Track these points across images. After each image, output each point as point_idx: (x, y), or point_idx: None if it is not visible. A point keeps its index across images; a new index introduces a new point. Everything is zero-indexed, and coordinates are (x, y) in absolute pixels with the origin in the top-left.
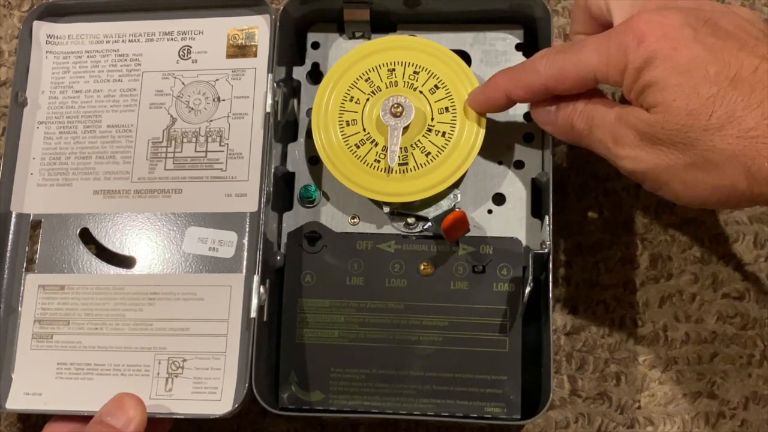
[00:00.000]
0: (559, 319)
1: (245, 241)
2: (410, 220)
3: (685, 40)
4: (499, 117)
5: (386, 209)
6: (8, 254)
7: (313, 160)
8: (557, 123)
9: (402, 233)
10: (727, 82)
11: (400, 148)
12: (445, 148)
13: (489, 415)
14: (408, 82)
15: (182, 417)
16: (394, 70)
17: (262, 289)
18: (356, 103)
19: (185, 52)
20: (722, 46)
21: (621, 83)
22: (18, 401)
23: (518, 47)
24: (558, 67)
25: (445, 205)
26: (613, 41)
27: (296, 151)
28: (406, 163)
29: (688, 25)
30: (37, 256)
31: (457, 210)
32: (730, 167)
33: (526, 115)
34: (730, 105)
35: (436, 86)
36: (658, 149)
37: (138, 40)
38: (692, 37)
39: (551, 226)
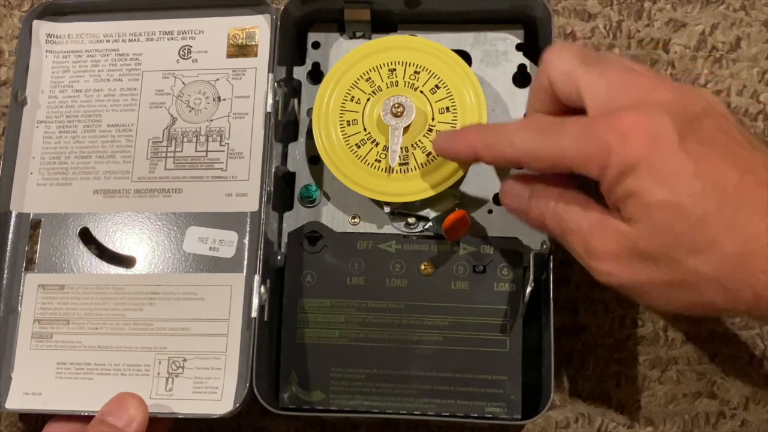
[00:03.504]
0: (559, 319)
1: (246, 240)
2: (411, 219)
3: (671, 148)
4: (501, 118)
5: (387, 209)
6: (8, 254)
7: (314, 160)
8: (528, 216)
9: (402, 233)
10: (714, 202)
11: (401, 147)
12: None
13: (489, 415)
14: (409, 82)
15: (183, 417)
16: (394, 70)
17: (263, 289)
18: (357, 102)
19: (185, 51)
20: (707, 155)
21: (599, 179)
22: (17, 401)
23: (519, 47)
24: (534, 146)
25: (446, 204)
26: (596, 137)
27: (296, 151)
28: (407, 163)
29: (675, 129)
30: (37, 255)
31: (457, 210)
32: (709, 288)
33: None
34: (714, 228)
35: (436, 86)
36: (637, 265)
37: (138, 40)
38: (678, 145)
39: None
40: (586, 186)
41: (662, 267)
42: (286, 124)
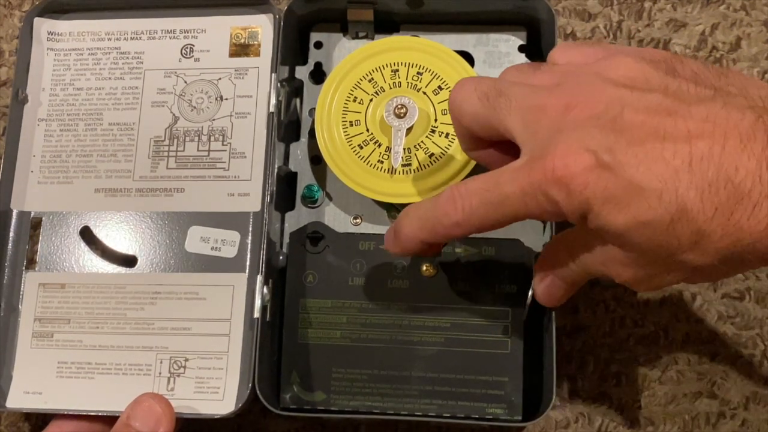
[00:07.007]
0: (559, 319)
1: (248, 240)
2: None
3: (609, 174)
4: None
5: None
6: (9, 252)
7: (316, 160)
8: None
9: None
10: (675, 203)
11: (404, 149)
12: (448, 149)
13: (490, 416)
14: (411, 83)
15: (184, 417)
16: (397, 70)
17: (265, 290)
18: (359, 103)
19: (188, 50)
20: (644, 156)
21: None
22: (18, 400)
23: (521, 49)
24: (481, 217)
25: None
26: (539, 193)
27: (299, 151)
28: (410, 164)
29: (605, 148)
30: (38, 254)
31: None
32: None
33: None
34: (690, 223)
35: (439, 87)
36: (651, 270)
37: (140, 38)
38: (614, 164)
39: (553, 228)
40: None
41: (679, 269)
42: (288, 124)
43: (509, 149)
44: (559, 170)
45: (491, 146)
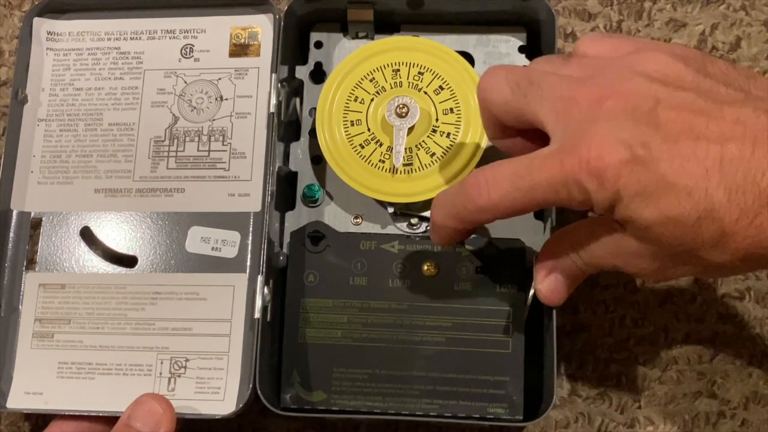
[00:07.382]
0: (559, 319)
1: (248, 241)
2: (414, 220)
3: (641, 168)
4: None
5: (390, 209)
6: (9, 253)
7: (316, 160)
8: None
9: (405, 233)
10: (704, 202)
11: (405, 148)
12: (450, 149)
13: (491, 416)
14: (413, 83)
15: (185, 417)
16: (398, 70)
17: (266, 290)
18: (361, 103)
19: (187, 50)
20: (678, 152)
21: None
22: (18, 400)
23: (521, 49)
24: (508, 202)
25: None
26: (571, 180)
27: (299, 151)
28: (411, 164)
29: (639, 141)
30: (38, 254)
31: None
32: (739, 262)
33: None
34: (715, 222)
35: (440, 87)
36: (667, 263)
37: (140, 38)
38: (647, 158)
39: (554, 227)
40: None
41: (695, 263)
42: (288, 124)
43: (536, 138)
44: (594, 161)
45: (518, 135)
